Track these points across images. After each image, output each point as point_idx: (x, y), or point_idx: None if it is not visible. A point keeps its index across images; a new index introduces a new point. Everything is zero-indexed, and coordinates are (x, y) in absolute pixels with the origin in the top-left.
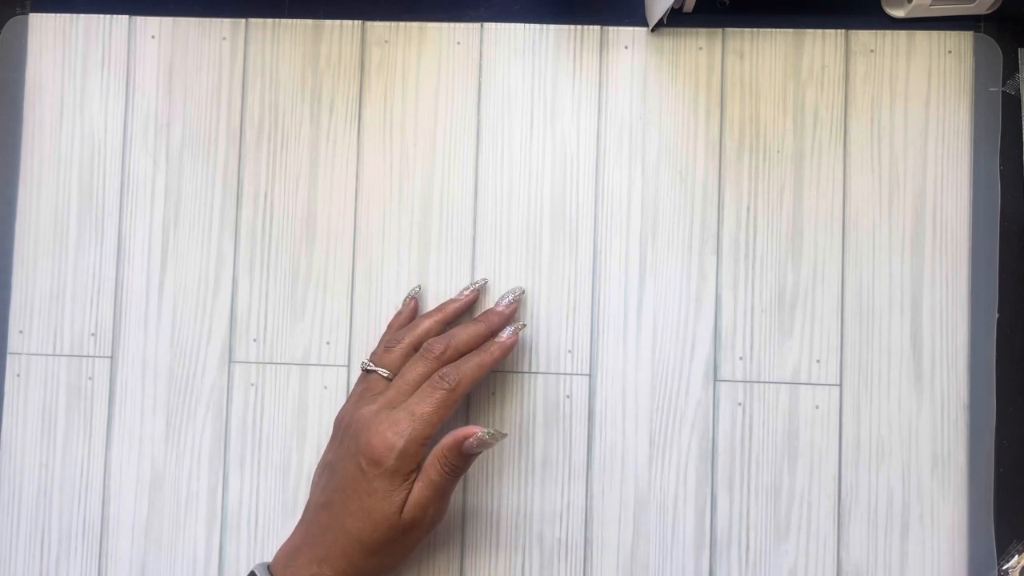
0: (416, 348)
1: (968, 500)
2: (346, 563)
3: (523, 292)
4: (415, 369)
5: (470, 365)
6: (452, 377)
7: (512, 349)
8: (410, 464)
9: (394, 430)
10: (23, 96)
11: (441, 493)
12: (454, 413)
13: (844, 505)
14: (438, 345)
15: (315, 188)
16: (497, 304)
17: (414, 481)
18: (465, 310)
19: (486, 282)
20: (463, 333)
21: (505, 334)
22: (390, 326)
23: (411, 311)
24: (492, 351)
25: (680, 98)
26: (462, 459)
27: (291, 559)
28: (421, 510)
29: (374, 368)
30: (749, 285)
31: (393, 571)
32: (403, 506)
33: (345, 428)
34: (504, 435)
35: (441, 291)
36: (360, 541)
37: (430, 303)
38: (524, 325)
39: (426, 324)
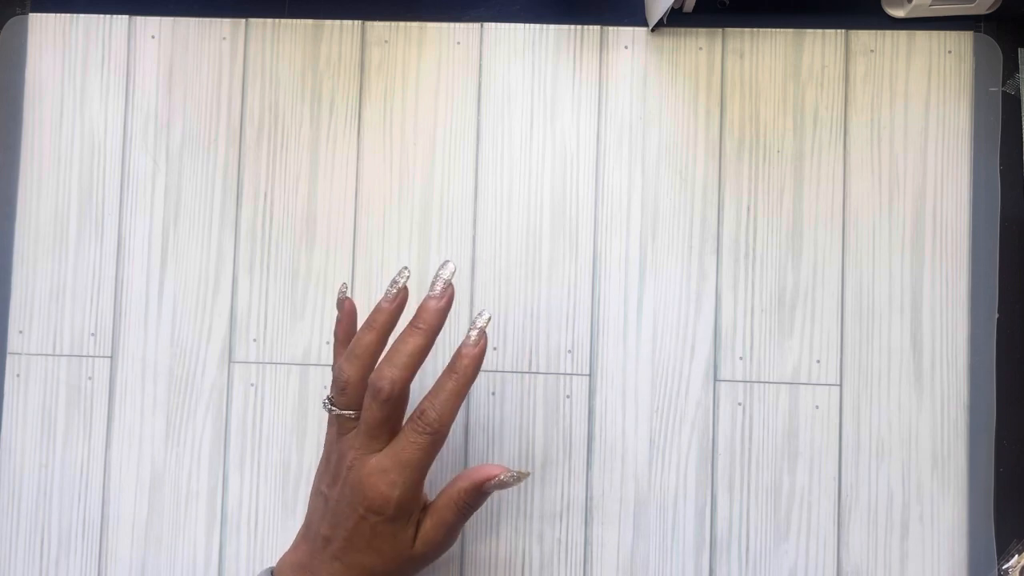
0: (366, 377)
1: (968, 500)
2: None
3: (455, 269)
4: (373, 414)
5: (445, 396)
6: (431, 418)
7: (484, 355)
8: (410, 507)
9: (385, 481)
10: (23, 96)
11: (453, 530)
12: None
13: (844, 505)
14: (383, 385)
15: (315, 188)
16: (428, 298)
17: (421, 515)
18: (399, 314)
19: (409, 274)
20: (401, 356)
21: (471, 341)
22: (336, 336)
23: (349, 314)
24: (463, 370)
25: (680, 98)
26: (479, 499)
27: (297, 574)
28: (435, 546)
29: (340, 412)
30: (749, 285)
31: None
32: (413, 539)
33: (336, 466)
34: (526, 475)
35: None
36: (372, 571)
37: None
38: (489, 318)
39: (363, 349)
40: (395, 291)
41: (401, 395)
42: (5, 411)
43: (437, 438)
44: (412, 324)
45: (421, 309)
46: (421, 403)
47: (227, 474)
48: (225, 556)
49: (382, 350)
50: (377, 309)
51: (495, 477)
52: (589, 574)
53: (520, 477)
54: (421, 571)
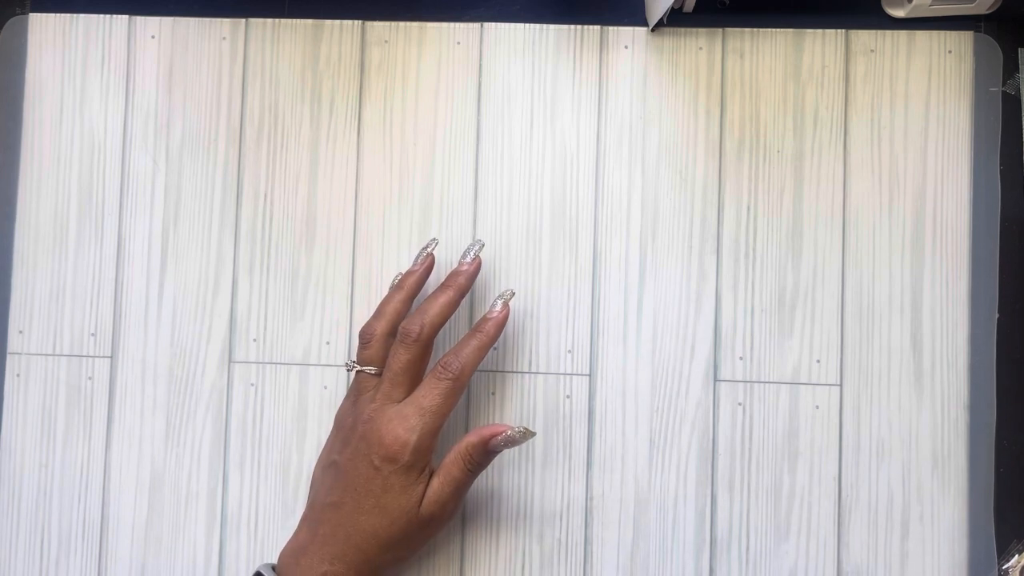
0: (392, 334)
1: (968, 500)
2: (361, 558)
3: (483, 245)
4: (399, 358)
5: (469, 350)
6: (455, 366)
7: (506, 322)
8: (424, 458)
9: (405, 426)
10: (23, 96)
11: (461, 489)
12: (459, 403)
13: (844, 505)
14: (413, 327)
15: (315, 188)
16: (460, 263)
17: (429, 474)
18: (426, 278)
19: (437, 242)
20: (434, 306)
21: (496, 308)
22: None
23: (428, 269)
24: (487, 330)
25: (680, 98)
26: (486, 456)
27: (298, 558)
28: (440, 507)
29: (361, 368)
30: (749, 285)
31: (405, 563)
32: (421, 500)
33: (350, 429)
34: (533, 434)
35: None
36: (376, 536)
37: None
38: (513, 293)
39: (392, 307)
40: (424, 255)
41: (428, 340)
42: (5, 411)
43: (457, 385)
44: (443, 284)
45: (452, 272)
46: (443, 356)
47: (227, 474)
48: (225, 556)
49: (408, 310)
50: (407, 273)
51: (502, 432)
52: (589, 574)
53: (527, 434)
54: (421, 548)
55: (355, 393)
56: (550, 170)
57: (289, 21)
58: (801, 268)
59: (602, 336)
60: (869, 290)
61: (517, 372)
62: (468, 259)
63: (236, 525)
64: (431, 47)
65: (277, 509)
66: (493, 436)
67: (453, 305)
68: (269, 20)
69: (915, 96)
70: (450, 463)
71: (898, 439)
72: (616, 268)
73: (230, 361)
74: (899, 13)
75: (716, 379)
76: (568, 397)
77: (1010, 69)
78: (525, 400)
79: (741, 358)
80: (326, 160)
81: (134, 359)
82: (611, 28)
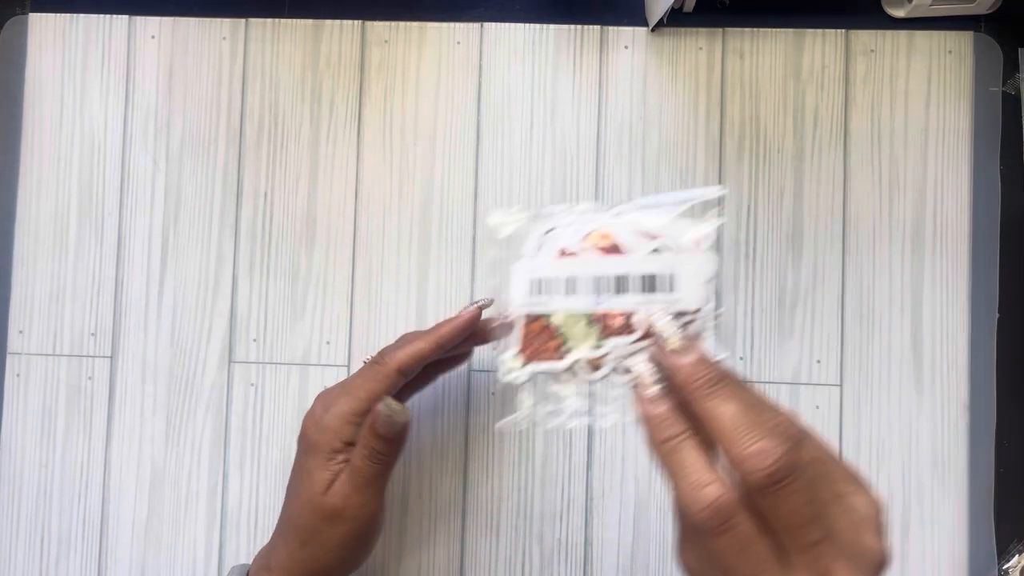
0: (401, 372)
1: (968, 500)
2: (284, 552)
3: (491, 304)
4: (357, 373)
5: (409, 347)
6: (386, 355)
7: (467, 329)
8: (333, 439)
9: (323, 402)
10: (23, 96)
11: (364, 482)
12: (392, 391)
13: None
14: (385, 356)
15: (315, 188)
16: (458, 314)
17: (344, 462)
18: (462, 331)
19: (492, 302)
20: (406, 348)
21: (463, 313)
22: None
23: (466, 320)
24: (439, 331)
25: (680, 98)
26: (380, 442)
27: (264, 555)
28: (343, 498)
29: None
30: (749, 285)
31: (327, 569)
32: (328, 488)
33: None
34: (402, 410)
35: (441, 291)
36: (293, 525)
37: (430, 302)
38: (492, 301)
39: (418, 345)
40: (471, 307)
41: (392, 372)
42: (5, 411)
43: (381, 370)
44: (429, 330)
45: (443, 320)
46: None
47: (227, 474)
48: (225, 556)
49: (431, 354)
50: (446, 320)
51: (378, 413)
52: (589, 574)
53: (396, 411)
54: (337, 552)
55: None
56: (550, 170)
57: (289, 21)
58: (801, 268)
59: None
60: (869, 290)
61: None
62: (470, 310)
63: (236, 524)
64: (431, 47)
65: (277, 509)
66: (374, 419)
67: (423, 354)
68: (269, 20)
69: (915, 96)
70: (354, 452)
71: (898, 439)
72: None
73: (230, 361)
74: (899, 13)
75: None
76: None
77: (1010, 69)
78: None
79: (741, 358)
80: (326, 160)
81: (134, 359)
82: (611, 28)
